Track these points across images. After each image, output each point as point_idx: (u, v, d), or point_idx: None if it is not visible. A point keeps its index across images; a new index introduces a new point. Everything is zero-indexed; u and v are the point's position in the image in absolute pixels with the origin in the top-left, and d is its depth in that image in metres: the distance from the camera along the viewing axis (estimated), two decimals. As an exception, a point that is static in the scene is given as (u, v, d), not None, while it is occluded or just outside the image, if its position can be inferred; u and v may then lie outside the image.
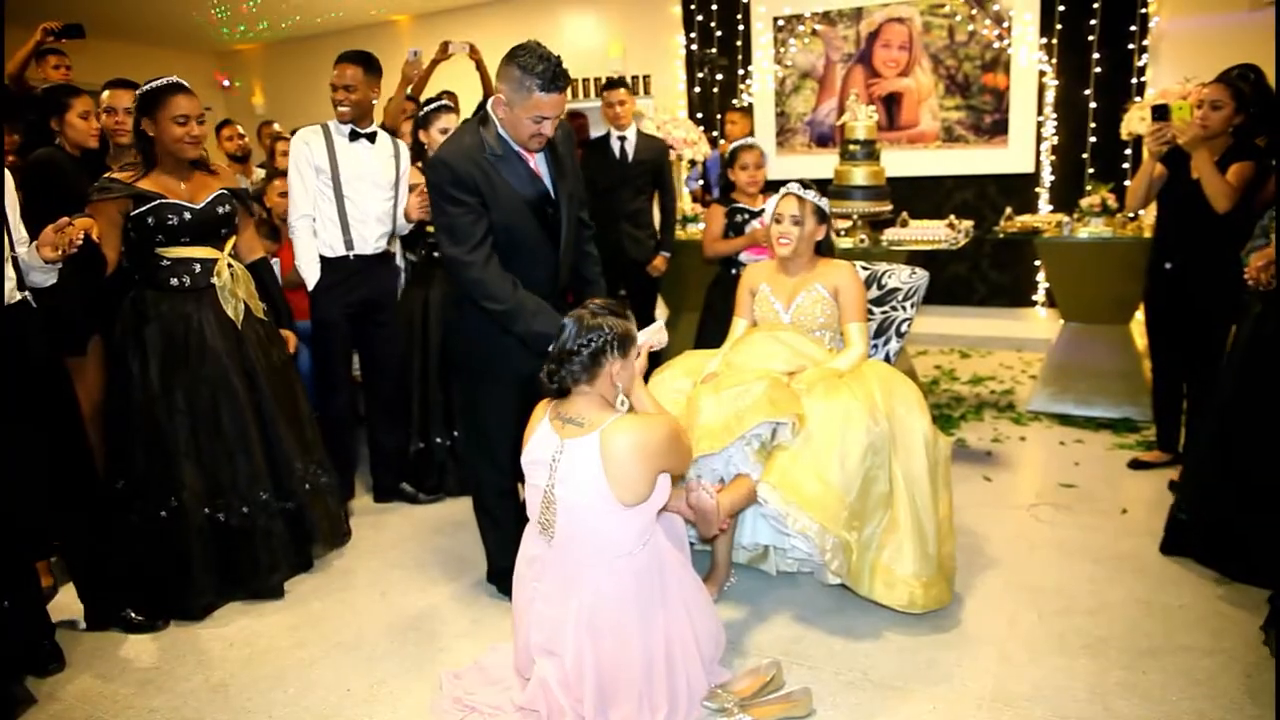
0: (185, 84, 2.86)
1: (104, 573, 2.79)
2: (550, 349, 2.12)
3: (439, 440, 3.82)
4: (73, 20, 3.86)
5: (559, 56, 2.43)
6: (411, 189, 3.65)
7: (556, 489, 2.08)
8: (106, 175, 2.85)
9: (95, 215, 2.71)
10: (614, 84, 4.72)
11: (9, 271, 2.48)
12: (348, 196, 3.50)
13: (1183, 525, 2.93)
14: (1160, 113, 3.39)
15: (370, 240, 3.57)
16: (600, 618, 2.05)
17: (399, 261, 4.00)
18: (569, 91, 8.36)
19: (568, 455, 2.07)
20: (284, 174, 4.33)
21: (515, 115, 2.46)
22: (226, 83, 10.66)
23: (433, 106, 3.74)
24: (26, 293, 2.56)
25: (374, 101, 3.57)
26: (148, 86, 2.81)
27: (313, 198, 3.49)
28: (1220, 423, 2.84)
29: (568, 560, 2.11)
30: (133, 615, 2.80)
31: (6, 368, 2.45)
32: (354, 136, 3.52)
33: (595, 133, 4.99)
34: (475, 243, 2.51)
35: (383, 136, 3.62)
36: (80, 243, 2.47)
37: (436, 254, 3.75)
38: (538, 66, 2.37)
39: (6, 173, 2.56)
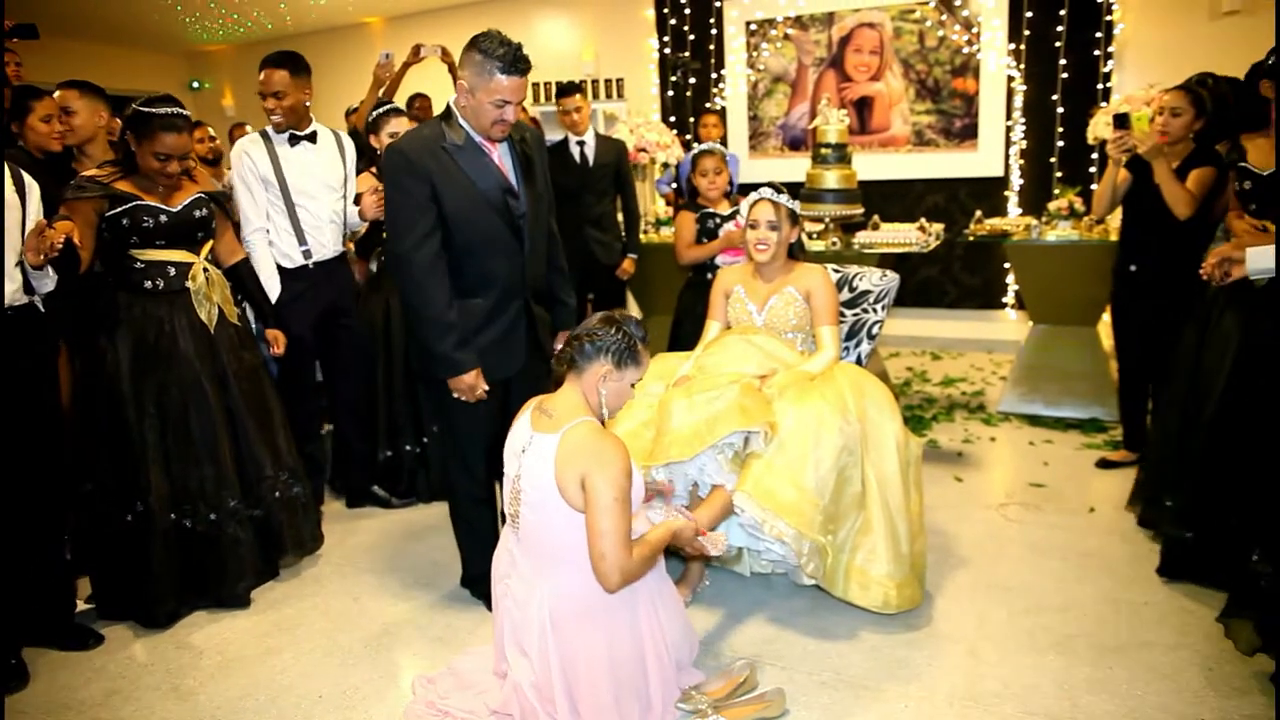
0: (185, 115, 2.80)
1: (52, 588, 2.74)
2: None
3: (408, 448, 3.79)
4: (35, 20, 3.81)
5: (520, 43, 2.44)
6: (362, 192, 3.57)
7: (522, 480, 2.08)
8: (82, 175, 2.81)
9: (71, 214, 2.69)
10: (568, 90, 4.72)
11: (15, 275, 2.47)
12: (299, 205, 3.42)
13: (1175, 544, 2.86)
14: (1121, 121, 3.45)
15: (329, 245, 3.51)
16: (561, 616, 2.04)
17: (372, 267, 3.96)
18: (541, 94, 8.29)
19: (533, 449, 2.06)
20: None
21: (477, 101, 2.44)
22: (196, 84, 10.55)
23: (382, 110, 3.70)
24: (35, 297, 2.55)
25: (307, 103, 3.46)
26: (145, 109, 2.73)
27: (263, 210, 3.39)
28: (1178, 421, 2.88)
29: (533, 556, 2.10)
30: (66, 635, 2.75)
31: (7, 368, 2.44)
32: (294, 140, 3.44)
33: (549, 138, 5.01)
34: (417, 239, 2.48)
35: (324, 134, 3.53)
36: (61, 246, 2.44)
37: None
38: (498, 50, 2.38)
39: (29, 180, 2.57)
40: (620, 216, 4.92)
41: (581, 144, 4.71)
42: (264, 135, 3.44)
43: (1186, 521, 2.80)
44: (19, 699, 2.50)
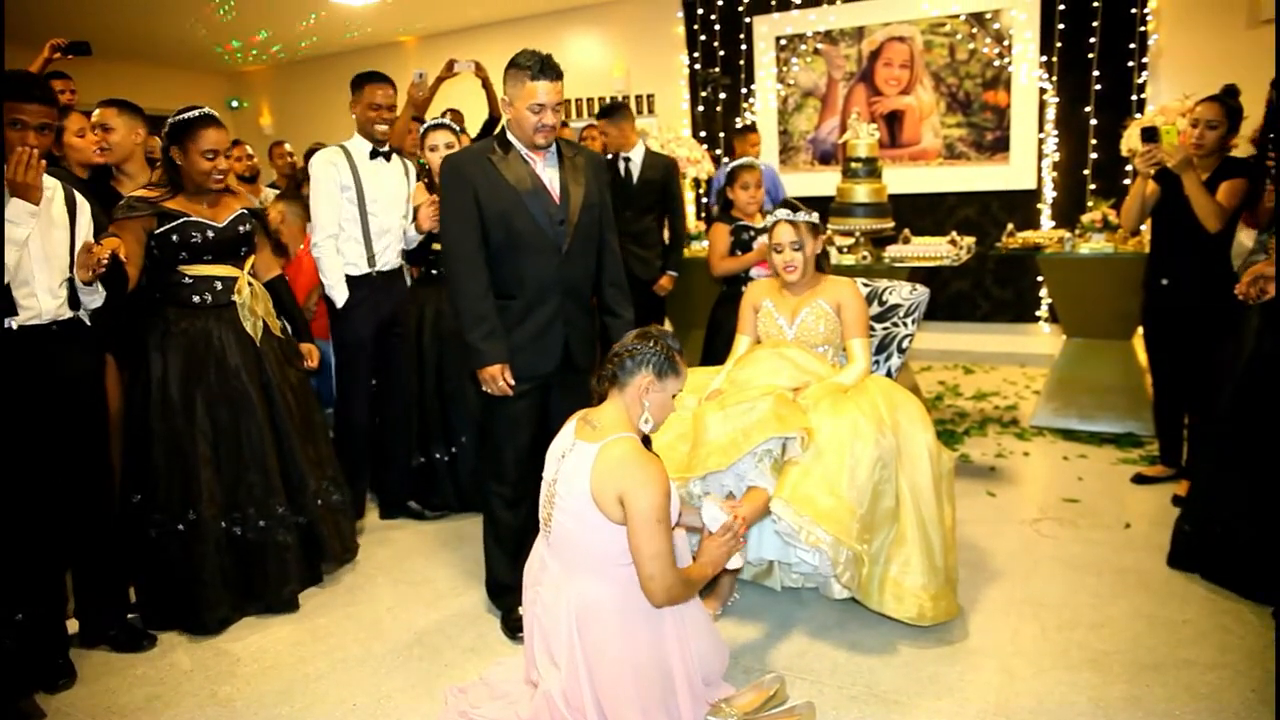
0: (214, 115, 2.92)
1: (107, 590, 2.82)
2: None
3: (438, 456, 3.85)
4: (81, 39, 3.91)
5: (550, 54, 2.62)
6: (418, 206, 3.71)
7: (558, 485, 2.12)
8: (131, 195, 2.91)
9: (120, 233, 2.78)
10: (603, 113, 4.77)
11: (60, 291, 2.54)
12: (372, 213, 3.61)
13: (1188, 538, 2.94)
14: (1150, 135, 3.42)
15: (390, 256, 3.69)
16: (587, 621, 2.06)
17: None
18: (573, 110, 8.37)
19: (573, 455, 2.11)
20: (285, 192, 4.42)
21: (517, 110, 2.63)
22: (235, 103, 10.78)
23: (428, 125, 3.84)
24: (81, 312, 2.62)
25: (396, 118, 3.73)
26: (180, 117, 2.87)
27: (336, 217, 3.58)
28: (1222, 439, 2.86)
29: (562, 559, 2.14)
30: (120, 636, 2.82)
31: (42, 383, 2.51)
32: (373, 154, 3.64)
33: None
34: (459, 235, 2.68)
35: (395, 154, 3.74)
36: (108, 263, 2.52)
37: (434, 271, 3.81)
38: (529, 60, 2.59)
39: (81, 200, 2.64)
40: (666, 232, 4.92)
41: (628, 160, 4.75)
42: (344, 149, 3.64)
43: (1190, 515, 2.89)
44: (65, 703, 2.56)
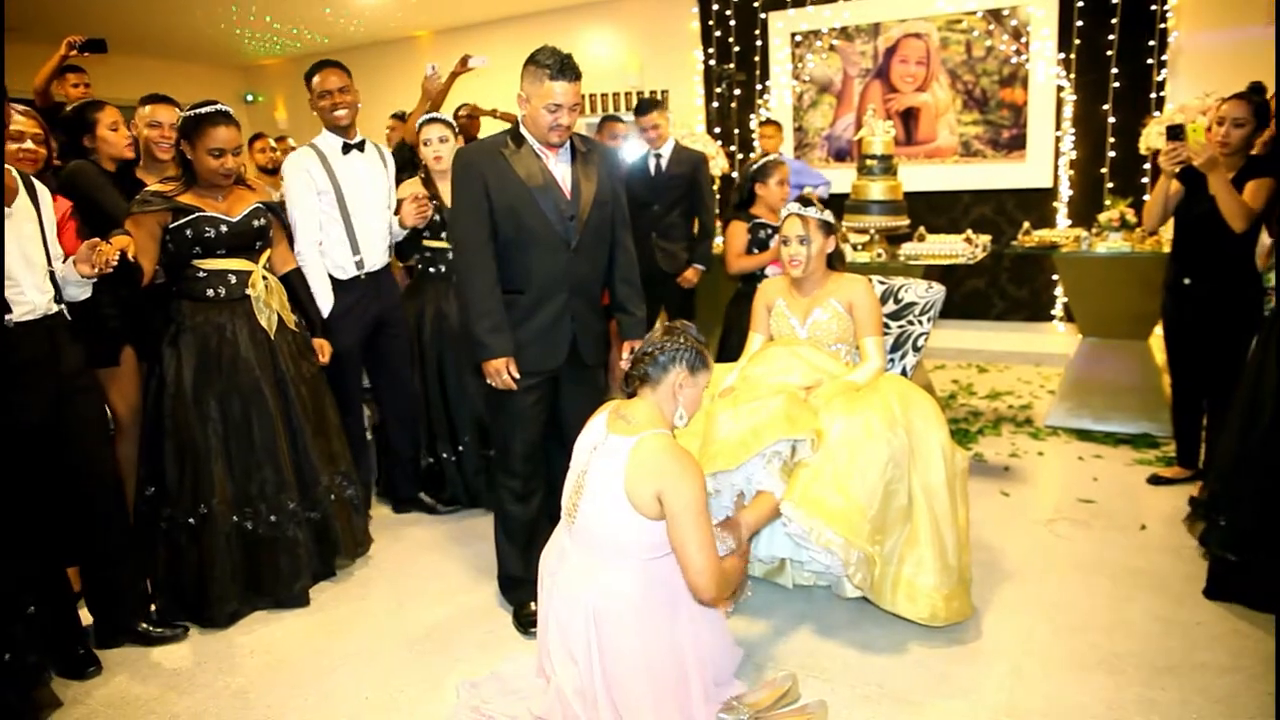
0: (228, 112, 2.90)
1: (122, 584, 2.82)
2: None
3: (445, 455, 3.84)
4: (99, 35, 3.93)
5: (569, 54, 2.61)
6: (402, 199, 3.64)
7: (589, 475, 2.14)
8: (147, 189, 2.91)
9: (135, 227, 2.79)
10: (645, 108, 4.75)
11: (45, 285, 2.54)
12: (354, 214, 3.48)
13: (1233, 568, 2.75)
14: (1175, 133, 3.38)
15: (377, 255, 3.57)
16: (606, 614, 2.07)
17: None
18: (587, 106, 8.35)
19: (606, 448, 2.12)
20: None
21: (533, 108, 2.62)
22: (250, 97, 10.82)
23: (422, 119, 3.82)
24: (62, 305, 2.62)
25: (359, 105, 3.58)
26: (191, 112, 2.86)
27: (316, 221, 3.45)
28: (1235, 438, 2.82)
29: (586, 550, 2.15)
30: (151, 630, 2.84)
31: (40, 378, 2.51)
32: (345, 149, 3.51)
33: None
34: (467, 228, 2.68)
35: (369, 145, 3.60)
36: (116, 262, 2.52)
37: (432, 269, 3.80)
38: (548, 59, 2.58)
39: (40, 188, 2.62)
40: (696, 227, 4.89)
41: (658, 156, 4.74)
42: (315, 149, 3.49)
43: (1233, 542, 2.73)
44: (82, 692, 2.59)
